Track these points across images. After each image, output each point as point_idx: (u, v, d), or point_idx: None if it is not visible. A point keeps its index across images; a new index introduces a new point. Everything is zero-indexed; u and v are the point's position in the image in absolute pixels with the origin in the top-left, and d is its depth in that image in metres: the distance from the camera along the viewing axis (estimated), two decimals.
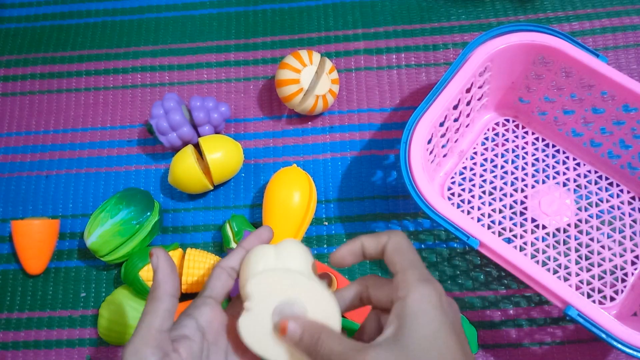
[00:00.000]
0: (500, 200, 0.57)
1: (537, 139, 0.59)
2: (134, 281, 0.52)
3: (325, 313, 0.36)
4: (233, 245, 0.54)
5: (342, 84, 0.64)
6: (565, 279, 0.53)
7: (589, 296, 0.52)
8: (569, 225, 0.55)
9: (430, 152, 0.52)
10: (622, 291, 0.52)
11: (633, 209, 0.56)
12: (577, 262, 0.54)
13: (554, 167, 0.58)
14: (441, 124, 0.52)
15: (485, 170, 0.58)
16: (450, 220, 0.45)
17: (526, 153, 0.58)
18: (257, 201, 0.59)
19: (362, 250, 0.37)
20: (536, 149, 0.59)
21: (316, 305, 0.36)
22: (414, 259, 0.34)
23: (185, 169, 0.56)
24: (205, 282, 0.40)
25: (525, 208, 0.56)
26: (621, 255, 0.54)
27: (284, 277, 0.36)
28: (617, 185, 0.57)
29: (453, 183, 0.57)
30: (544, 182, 0.57)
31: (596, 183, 0.57)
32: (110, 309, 0.53)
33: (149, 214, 0.55)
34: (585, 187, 0.57)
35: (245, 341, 0.35)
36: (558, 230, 0.55)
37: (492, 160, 0.58)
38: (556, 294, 0.42)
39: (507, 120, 0.60)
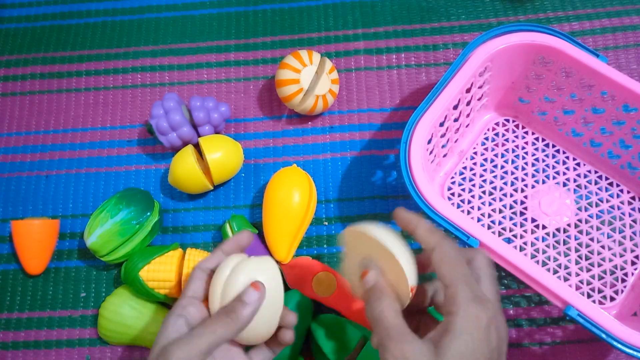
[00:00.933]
0: (500, 200, 0.56)
1: (537, 139, 0.59)
2: (133, 281, 0.52)
3: (396, 281, 0.37)
4: None
5: (342, 84, 0.64)
6: (565, 279, 0.53)
7: (589, 296, 0.52)
8: (569, 225, 0.55)
9: (430, 152, 0.52)
10: (622, 291, 0.52)
11: (633, 209, 0.56)
12: (577, 262, 0.54)
13: (554, 167, 0.58)
14: (441, 124, 0.52)
15: (485, 170, 0.58)
16: (450, 220, 0.45)
17: (526, 153, 0.58)
18: (257, 201, 0.59)
19: (414, 231, 0.38)
20: (536, 149, 0.59)
21: (391, 271, 0.37)
22: (464, 273, 0.35)
23: (185, 169, 0.56)
24: (186, 283, 0.42)
25: (525, 208, 0.56)
26: (621, 255, 0.54)
27: (374, 236, 0.38)
28: (617, 185, 0.57)
29: (453, 183, 0.57)
30: (544, 182, 0.57)
31: (596, 183, 0.57)
32: (110, 309, 0.53)
33: (148, 214, 0.55)
34: (585, 187, 0.57)
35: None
36: (558, 230, 0.55)
37: (492, 160, 0.58)
38: (556, 294, 0.42)
39: (507, 120, 0.60)
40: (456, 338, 0.32)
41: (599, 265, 0.53)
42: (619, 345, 0.40)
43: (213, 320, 0.37)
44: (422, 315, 0.40)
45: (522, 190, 0.57)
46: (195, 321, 0.39)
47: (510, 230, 0.55)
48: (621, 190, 0.56)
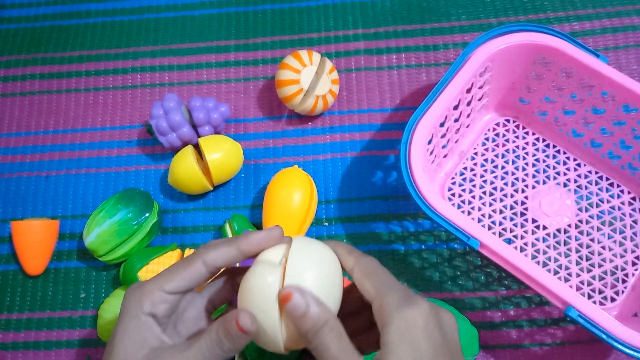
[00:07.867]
0: (501, 200, 0.56)
1: (537, 139, 0.59)
2: (132, 282, 0.52)
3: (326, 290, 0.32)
4: None
5: (342, 84, 0.64)
6: (566, 280, 0.53)
7: (589, 297, 0.52)
8: (569, 225, 0.55)
9: (431, 153, 0.52)
10: (623, 292, 0.52)
11: (634, 210, 0.56)
12: (577, 263, 0.53)
13: (554, 168, 0.58)
14: (441, 125, 0.52)
15: (485, 170, 0.58)
16: (451, 220, 0.45)
17: (527, 153, 0.58)
18: (257, 202, 0.59)
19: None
20: (537, 150, 0.59)
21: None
22: (389, 281, 0.32)
23: (185, 170, 0.56)
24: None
25: (526, 209, 0.56)
26: (622, 256, 0.53)
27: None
28: (618, 186, 0.57)
29: (453, 183, 0.57)
30: (544, 182, 0.57)
31: (597, 184, 0.57)
32: (109, 310, 0.53)
33: (147, 215, 0.55)
34: (586, 187, 0.57)
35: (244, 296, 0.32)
36: (558, 230, 0.55)
37: (492, 161, 0.58)
38: (557, 294, 0.42)
39: (508, 121, 0.60)
40: (394, 352, 0.30)
41: (600, 266, 0.53)
42: (620, 346, 0.40)
43: None
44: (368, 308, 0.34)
45: (523, 191, 0.57)
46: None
47: (511, 231, 0.55)
48: (622, 191, 0.56)
